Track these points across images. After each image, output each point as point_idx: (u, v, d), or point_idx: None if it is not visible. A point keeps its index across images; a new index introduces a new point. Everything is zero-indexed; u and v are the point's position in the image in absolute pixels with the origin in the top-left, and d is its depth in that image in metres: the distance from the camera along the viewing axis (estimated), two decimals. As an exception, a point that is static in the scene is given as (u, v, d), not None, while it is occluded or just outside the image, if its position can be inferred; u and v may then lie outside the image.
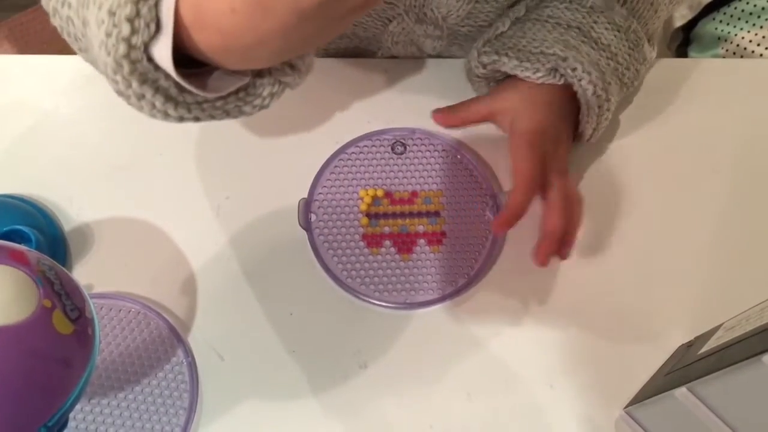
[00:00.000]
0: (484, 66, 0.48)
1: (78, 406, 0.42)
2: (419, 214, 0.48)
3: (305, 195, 0.48)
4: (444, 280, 0.46)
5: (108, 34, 0.27)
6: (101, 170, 0.49)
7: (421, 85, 0.54)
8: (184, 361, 0.43)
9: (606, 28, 0.47)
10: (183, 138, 0.50)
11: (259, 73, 0.32)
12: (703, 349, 0.38)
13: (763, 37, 0.65)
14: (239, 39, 0.27)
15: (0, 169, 0.49)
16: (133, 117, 0.51)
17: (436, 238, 0.47)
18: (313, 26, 0.26)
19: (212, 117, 0.32)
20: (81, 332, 0.30)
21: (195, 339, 0.44)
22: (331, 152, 0.50)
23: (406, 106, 0.52)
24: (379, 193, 0.48)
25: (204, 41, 0.27)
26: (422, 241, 0.47)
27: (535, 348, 0.45)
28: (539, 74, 0.45)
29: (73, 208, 0.47)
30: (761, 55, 0.65)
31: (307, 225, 0.47)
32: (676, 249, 0.48)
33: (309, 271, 0.46)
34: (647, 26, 0.49)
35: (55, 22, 0.35)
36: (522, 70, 0.46)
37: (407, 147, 0.51)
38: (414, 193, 0.49)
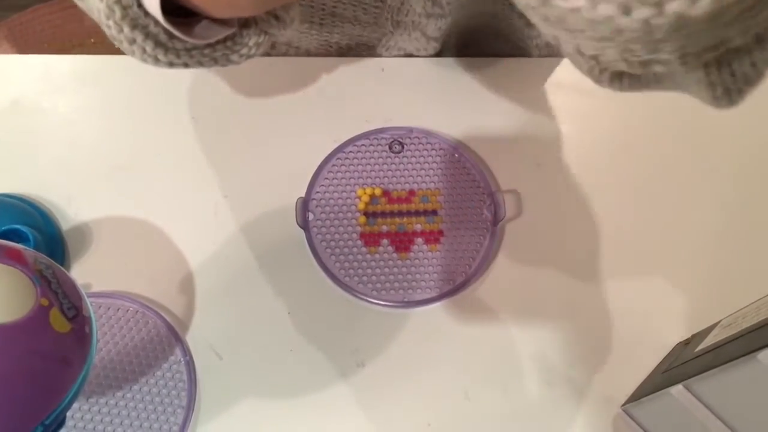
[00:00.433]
0: None
1: (76, 405, 0.42)
2: (417, 213, 0.48)
3: (303, 194, 0.48)
4: (441, 279, 0.46)
5: None
6: (99, 170, 0.49)
7: (419, 85, 0.54)
8: (182, 359, 0.43)
9: None
10: (181, 138, 0.51)
11: (245, 24, 0.33)
12: (700, 347, 0.38)
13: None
14: None
15: (-2, 168, 0.49)
16: (131, 117, 0.51)
17: (433, 236, 0.47)
18: None
19: (201, 64, 0.33)
20: (78, 331, 0.30)
21: (193, 338, 0.44)
22: (329, 151, 0.50)
23: (404, 105, 0.52)
24: (377, 191, 0.48)
25: None
26: (420, 239, 0.47)
27: (533, 346, 0.45)
28: None
29: (71, 208, 0.48)
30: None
31: (304, 224, 0.47)
32: (674, 247, 0.48)
33: (307, 270, 0.46)
34: None
35: None
36: None
37: (405, 146, 0.51)
38: (412, 192, 0.49)
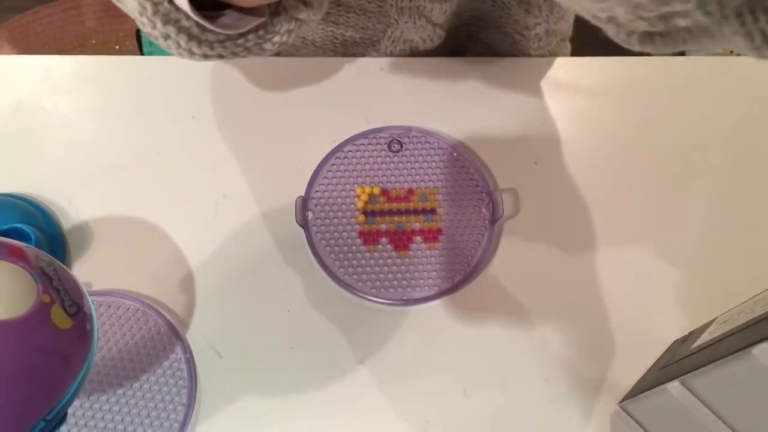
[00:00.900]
0: None
1: (77, 403, 0.42)
2: (415, 212, 0.48)
3: (302, 193, 0.48)
4: (440, 277, 0.46)
5: None
6: (100, 169, 0.49)
7: (417, 85, 0.54)
8: (182, 357, 0.43)
9: None
10: (181, 137, 0.51)
11: (275, 12, 0.33)
12: (696, 344, 0.38)
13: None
14: None
15: (0, 168, 0.49)
16: (131, 117, 0.52)
17: (432, 235, 0.48)
18: None
19: (234, 54, 0.33)
20: (80, 327, 0.30)
21: (193, 336, 0.44)
22: (328, 150, 0.50)
23: (403, 104, 0.53)
24: (376, 190, 0.49)
25: None
26: (418, 238, 0.48)
27: (531, 343, 0.45)
28: None
29: (72, 207, 0.48)
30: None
31: (304, 222, 0.47)
32: (671, 245, 0.48)
33: (306, 269, 0.47)
34: None
35: None
36: None
37: (403, 145, 0.51)
38: (410, 191, 0.49)
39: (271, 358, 0.44)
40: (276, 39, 0.34)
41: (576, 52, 0.61)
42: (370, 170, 0.50)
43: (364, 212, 0.48)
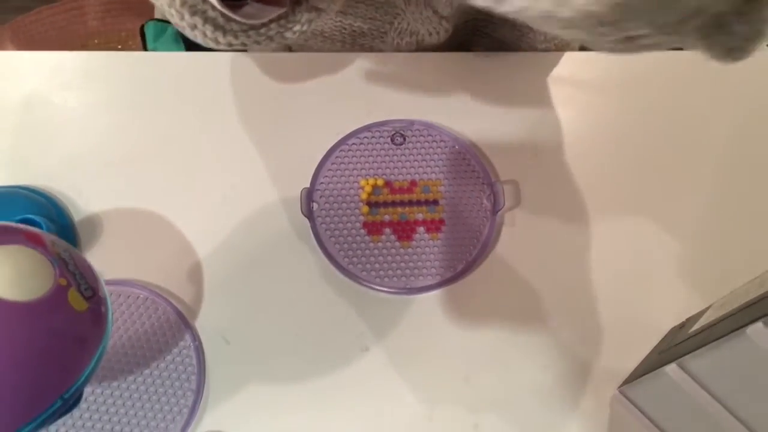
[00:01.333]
0: None
1: (89, 389, 0.43)
2: (418, 203, 0.49)
3: (307, 185, 0.49)
4: (443, 266, 0.47)
5: None
6: (109, 162, 0.50)
7: (420, 79, 0.55)
8: (191, 345, 0.44)
9: None
10: (188, 130, 0.52)
11: (296, 1, 0.35)
12: (694, 328, 0.39)
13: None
14: None
15: (13, 161, 0.50)
16: (138, 111, 0.53)
17: (435, 225, 0.49)
18: None
19: (257, 43, 0.35)
20: (95, 310, 0.31)
21: (201, 324, 0.45)
22: (333, 143, 0.51)
23: (406, 98, 0.54)
24: (380, 182, 0.50)
25: None
26: (421, 228, 0.48)
27: (532, 331, 0.46)
28: None
29: (82, 199, 0.49)
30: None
31: (309, 213, 0.48)
32: (671, 235, 0.49)
33: (311, 258, 0.48)
34: None
35: None
36: None
37: (406, 138, 0.52)
38: (413, 183, 0.50)
39: (278, 345, 0.45)
40: (297, 28, 0.36)
41: (582, 46, 0.62)
42: (373, 162, 0.51)
43: (368, 203, 0.49)
